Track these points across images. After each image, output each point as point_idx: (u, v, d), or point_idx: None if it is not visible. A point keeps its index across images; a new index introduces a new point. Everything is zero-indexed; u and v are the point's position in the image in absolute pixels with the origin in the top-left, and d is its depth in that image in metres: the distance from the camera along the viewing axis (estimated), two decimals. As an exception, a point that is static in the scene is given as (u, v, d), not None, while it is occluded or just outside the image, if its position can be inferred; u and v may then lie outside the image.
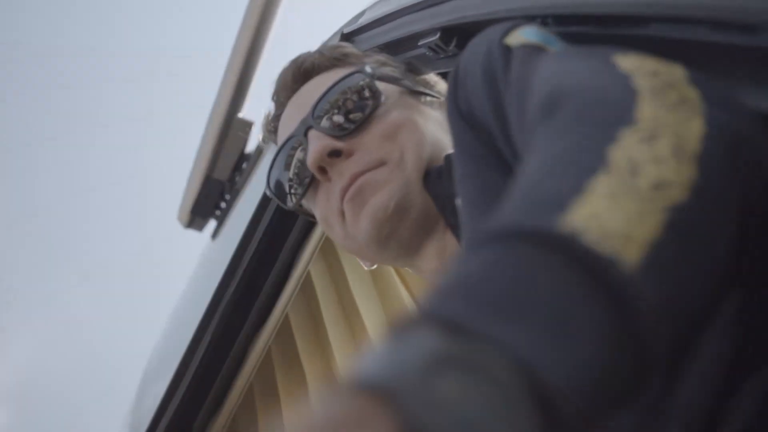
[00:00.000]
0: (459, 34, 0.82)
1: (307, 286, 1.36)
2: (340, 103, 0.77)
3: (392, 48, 1.00)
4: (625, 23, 0.57)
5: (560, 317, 0.27)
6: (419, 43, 0.88)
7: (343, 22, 1.19)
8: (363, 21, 1.08)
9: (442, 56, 0.86)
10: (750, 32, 0.47)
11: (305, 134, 0.78)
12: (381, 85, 0.80)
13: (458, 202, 0.58)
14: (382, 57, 0.88)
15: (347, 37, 1.11)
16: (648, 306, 0.29)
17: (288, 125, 0.82)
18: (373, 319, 1.27)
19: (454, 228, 0.72)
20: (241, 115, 1.51)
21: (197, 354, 1.21)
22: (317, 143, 0.74)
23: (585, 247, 0.29)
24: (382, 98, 0.78)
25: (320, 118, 0.77)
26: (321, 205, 0.78)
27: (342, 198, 0.74)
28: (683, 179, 0.33)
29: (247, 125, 1.51)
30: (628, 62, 0.42)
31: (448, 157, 0.74)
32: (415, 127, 0.76)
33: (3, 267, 5.55)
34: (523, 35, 0.55)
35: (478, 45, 0.58)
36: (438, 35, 0.83)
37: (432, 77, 0.90)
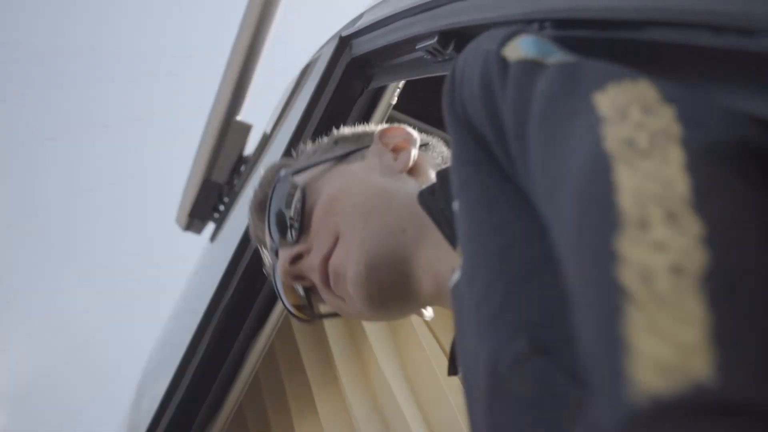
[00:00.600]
0: (457, 38, 0.81)
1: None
2: (282, 216, 0.83)
3: (390, 51, 1.00)
4: (623, 27, 0.57)
5: None
6: (417, 47, 0.88)
7: (341, 24, 1.19)
8: (361, 24, 1.07)
9: (439, 59, 0.86)
10: (749, 36, 0.47)
11: (277, 256, 0.84)
12: (304, 176, 0.85)
13: (455, 206, 0.58)
14: (309, 146, 0.94)
15: (345, 40, 1.11)
16: (742, 388, 0.28)
17: (271, 262, 0.89)
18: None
19: (449, 237, 0.72)
20: (239, 117, 1.50)
21: (197, 355, 1.21)
22: (279, 261, 0.81)
23: (666, 400, 0.28)
24: (306, 190, 0.83)
25: (276, 235, 0.84)
26: (329, 302, 0.83)
27: (325, 287, 0.79)
28: (693, 237, 0.32)
29: (246, 128, 1.51)
30: (604, 105, 0.42)
31: (440, 173, 0.75)
32: (346, 193, 0.80)
33: (3, 267, 5.55)
34: (520, 48, 0.54)
35: (475, 51, 0.58)
36: (436, 39, 0.83)
37: (360, 129, 0.93)
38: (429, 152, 0.88)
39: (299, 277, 0.81)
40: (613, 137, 0.39)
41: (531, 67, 0.51)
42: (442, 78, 0.93)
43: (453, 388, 1.07)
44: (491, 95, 0.53)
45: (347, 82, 1.10)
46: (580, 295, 0.36)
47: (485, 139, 0.55)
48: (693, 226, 0.33)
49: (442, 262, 0.74)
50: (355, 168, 0.84)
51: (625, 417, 0.29)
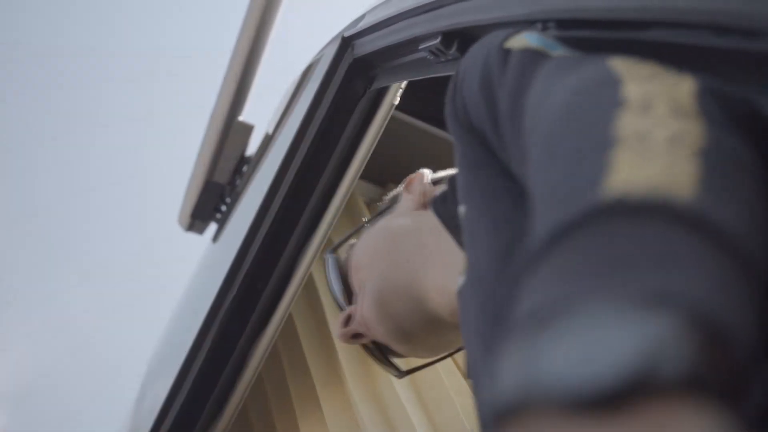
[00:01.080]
0: (460, 38, 0.81)
1: (309, 287, 1.36)
2: (332, 291, 0.91)
3: (392, 51, 1.00)
4: (627, 27, 0.57)
5: (673, 261, 0.26)
6: (420, 47, 0.88)
7: (342, 25, 1.19)
8: (363, 24, 1.07)
9: (442, 60, 0.86)
10: (752, 37, 0.47)
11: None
12: (344, 249, 0.93)
13: (461, 210, 0.58)
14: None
15: (347, 40, 1.11)
16: (724, 220, 0.28)
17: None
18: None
19: (462, 244, 0.73)
20: (241, 118, 1.50)
21: (199, 356, 1.21)
22: (339, 335, 0.89)
23: (637, 201, 0.29)
24: (346, 261, 0.90)
25: (339, 305, 0.91)
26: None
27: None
28: (693, 129, 0.33)
29: (248, 129, 1.51)
30: (615, 63, 0.43)
31: (451, 179, 0.75)
32: (363, 246, 0.87)
33: (3, 267, 5.55)
34: (524, 38, 0.54)
35: (477, 51, 0.58)
36: (439, 39, 0.83)
37: (393, 191, 0.97)
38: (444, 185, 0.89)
39: (357, 336, 0.87)
40: (624, 71, 0.40)
41: (534, 55, 0.51)
42: (443, 78, 0.93)
43: (457, 389, 1.07)
44: (490, 85, 0.52)
45: (349, 83, 1.10)
46: (555, 152, 0.36)
47: (486, 137, 0.54)
48: (696, 122, 0.34)
49: (451, 278, 0.75)
50: (380, 224, 0.89)
51: (585, 207, 0.30)
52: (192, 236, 1.73)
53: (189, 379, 1.23)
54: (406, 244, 0.81)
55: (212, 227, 1.67)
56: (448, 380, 1.08)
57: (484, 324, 0.51)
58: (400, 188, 0.95)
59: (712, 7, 0.48)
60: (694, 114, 0.35)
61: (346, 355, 1.30)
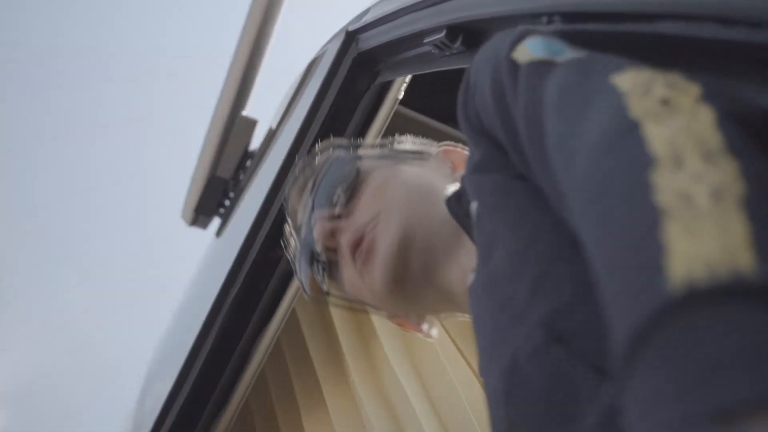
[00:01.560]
0: (465, 32, 0.82)
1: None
2: (331, 188, 0.85)
3: (397, 45, 1.01)
4: (632, 20, 0.57)
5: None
6: (424, 41, 0.88)
7: (346, 19, 1.20)
8: (367, 19, 1.08)
9: (447, 54, 0.86)
10: (758, 29, 0.47)
11: (312, 228, 0.85)
12: (363, 163, 0.88)
13: (473, 206, 0.59)
14: (368, 143, 0.98)
15: (352, 35, 1.11)
16: None
17: (301, 237, 0.90)
18: (378, 322, 1.27)
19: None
20: (245, 113, 1.51)
21: (202, 352, 1.21)
22: (318, 228, 0.83)
23: (702, 289, 0.29)
24: (363, 170, 0.85)
25: (320, 205, 0.86)
26: (345, 278, 0.83)
27: (350, 251, 0.80)
28: (730, 173, 0.33)
29: (251, 123, 1.51)
30: (625, 80, 0.43)
31: (464, 178, 0.76)
32: (396, 181, 0.82)
33: (3, 267, 5.55)
34: (529, 50, 0.54)
35: (485, 58, 0.58)
36: (444, 33, 0.83)
37: (419, 143, 0.94)
38: None
39: (330, 247, 0.82)
40: (637, 106, 0.40)
41: (542, 67, 0.51)
42: (447, 73, 0.94)
43: (463, 383, 1.07)
44: (503, 100, 0.53)
45: (354, 77, 1.10)
46: (607, 227, 0.36)
47: (500, 143, 0.55)
48: (730, 164, 0.34)
49: (471, 265, 0.74)
50: (412, 168, 0.86)
51: (658, 305, 0.30)
52: (191, 236, 1.73)
53: (191, 375, 1.23)
54: (446, 214, 0.78)
55: (216, 222, 1.68)
56: (454, 375, 1.09)
57: (502, 324, 0.51)
58: (428, 148, 0.93)
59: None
60: (724, 153, 0.35)
61: (351, 350, 1.30)
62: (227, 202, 1.58)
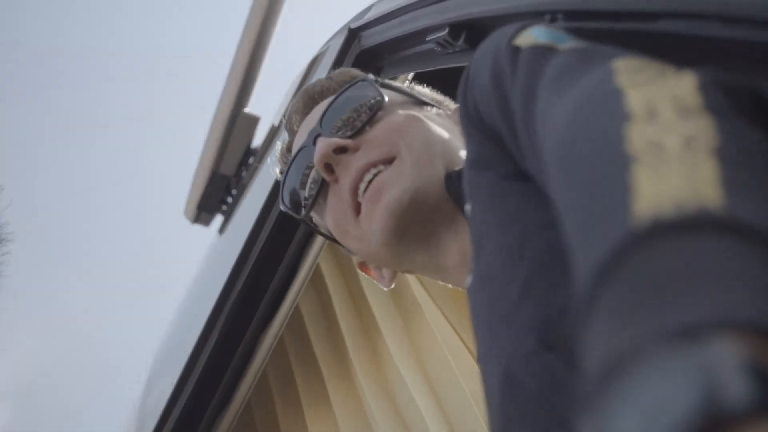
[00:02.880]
0: (468, 30, 0.82)
1: (317, 278, 1.37)
2: (346, 109, 0.79)
3: (400, 43, 1.01)
4: (635, 18, 0.58)
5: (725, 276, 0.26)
6: (427, 38, 0.89)
7: (348, 15, 1.20)
8: (370, 16, 1.08)
9: (450, 51, 0.86)
10: (761, 28, 0.48)
11: (314, 143, 0.79)
12: (385, 92, 0.82)
13: (467, 207, 0.58)
14: (387, 80, 0.91)
15: (354, 32, 1.12)
16: (755, 217, 0.29)
17: (299, 144, 0.84)
18: (383, 310, 1.27)
19: None
20: (247, 110, 1.51)
21: (206, 349, 1.21)
22: (321, 143, 0.76)
23: (666, 221, 0.29)
24: (386, 100, 0.80)
25: (328, 125, 0.79)
26: (333, 208, 0.78)
27: (351, 191, 0.75)
28: (704, 126, 0.33)
29: (253, 120, 1.51)
30: (620, 64, 0.43)
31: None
32: (420, 124, 0.77)
33: (4, 267, 5.54)
34: (532, 35, 0.54)
35: (487, 48, 0.58)
36: (446, 31, 0.83)
37: (438, 95, 0.91)
38: None
39: (329, 168, 0.76)
40: (624, 79, 0.40)
41: (543, 51, 0.51)
42: (450, 70, 0.94)
43: (468, 378, 1.07)
44: (502, 85, 0.53)
45: (356, 75, 1.11)
46: (576, 179, 0.36)
47: (498, 134, 0.55)
48: (705, 119, 0.34)
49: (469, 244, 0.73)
50: (435, 118, 0.81)
51: (620, 238, 0.30)
52: (192, 237, 1.73)
53: (194, 373, 1.23)
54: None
55: (218, 219, 1.68)
56: (459, 369, 1.09)
57: (494, 325, 0.51)
58: (447, 101, 0.89)
59: (721, -4, 0.49)
60: (701, 109, 0.35)
61: (355, 347, 1.30)
62: (230, 200, 1.58)
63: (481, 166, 0.56)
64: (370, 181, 0.74)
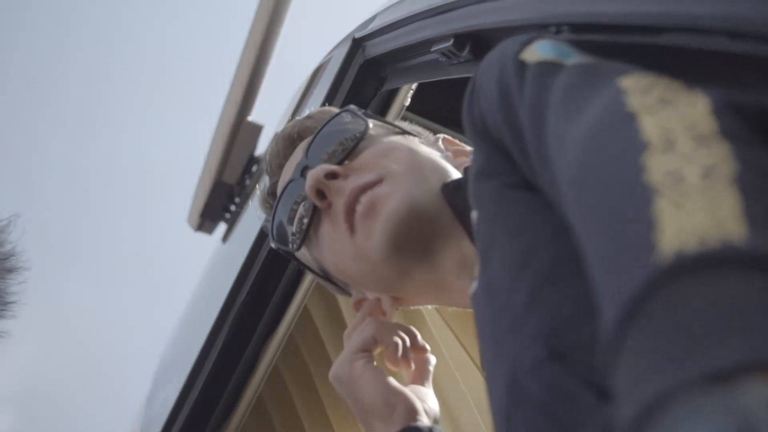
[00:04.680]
0: (473, 41, 0.82)
1: (322, 288, 1.36)
2: (332, 140, 0.80)
3: (404, 53, 1.01)
4: (640, 32, 0.58)
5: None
6: (432, 49, 0.89)
7: (352, 24, 1.20)
8: (374, 26, 1.08)
9: (455, 62, 0.87)
10: (766, 42, 0.48)
11: (302, 175, 0.80)
12: (368, 122, 0.83)
13: (473, 215, 0.59)
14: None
15: (358, 42, 1.12)
16: None
17: (285, 180, 0.84)
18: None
19: (471, 235, 0.73)
20: (250, 118, 1.51)
21: (209, 358, 1.21)
22: (313, 171, 0.77)
23: (692, 256, 0.29)
24: (371, 126, 0.81)
25: (315, 157, 0.80)
26: (327, 234, 0.78)
27: (347, 211, 0.75)
28: (722, 154, 0.34)
29: (257, 129, 1.52)
30: (628, 81, 0.43)
31: (468, 170, 0.75)
32: (406, 147, 0.78)
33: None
34: (538, 50, 0.54)
35: (492, 60, 0.58)
36: (451, 41, 0.83)
37: (418, 128, 0.92)
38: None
39: (321, 194, 0.76)
40: (635, 102, 0.40)
41: (550, 68, 0.51)
42: (454, 78, 0.94)
43: (472, 389, 1.07)
44: (508, 98, 0.53)
45: (361, 84, 1.11)
46: (596, 209, 0.36)
47: (504, 146, 0.55)
48: (722, 146, 0.34)
49: (470, 251, 0.73)
50: (416, 141, 0.83)
51: (646, 276, 0.30)
52: (196, 241, 1.74)
53: (200, 380, 1.24)
54: None
55: (221, 227, 1.68)
56: (464, 381, 1.08)
57: (501, 335, 0.51)
58: (430, 135, 0.90)
59: (728, 12, 0.49)
60: (716, 135, 0.35)
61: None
62: (233, 208, 1.58)
63: (488, 175, 0.56)
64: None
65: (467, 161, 0.83)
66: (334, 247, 0.78)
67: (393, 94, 1.12)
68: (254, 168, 1.53)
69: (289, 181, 0.82)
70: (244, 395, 1.25)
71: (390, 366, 0.82)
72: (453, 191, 0.74)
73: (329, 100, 1.12)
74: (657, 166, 0.34)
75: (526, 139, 0.50)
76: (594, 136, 0.41)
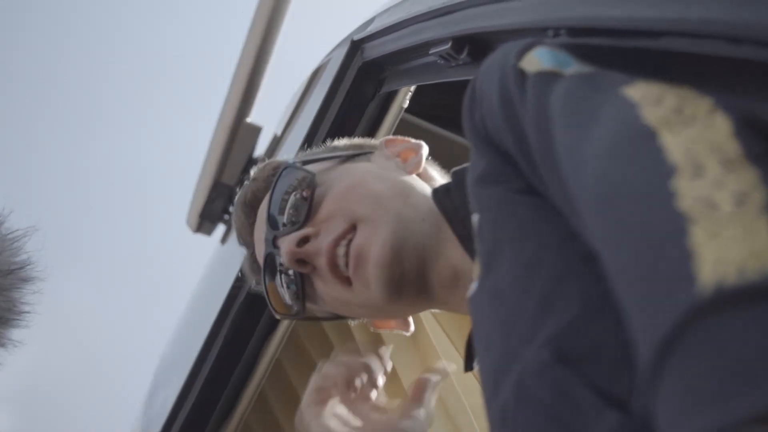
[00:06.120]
0: (471, 44, 0.82)
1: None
2: (285, 203, 0.81)
3: (402, 55, 1.01)
4: (638, 36, 0.58)
5: None
6: (430, 51, 0.89)
7: (352, 27, 1.20)
8: (373, 28, 1.08)
9: (453, 65, 0.87)
10: (763, 47, 0.48)
11: (274, 245, 0.81)
12: (312, 167, 0.83)
13: (474, 219, 0.58)
14: (304, 152, 0.93)
15: (357, 44, 1.12)
16: None
17: (260, 253, 0.85)
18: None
19: (463, 239, 0.73)
20: (249, 119, 1.51)
21: (209, 359, 1.22)
22: (284, 244, 0.78)
23: (732, 288, 0.29)
24: (317, 176, 0.81)
25: (277, 224, 0.81)
26: (324, 293, 0.80)
27: (332, 269, 0.76)
28: (751, 180, 0.33)
29: (256, 130, 1.52)
30: (635, 92, 0.43)
31: (456, 173, 0.75)
32: (359, 183, 0.79)
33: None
34: (537, 59, 0.54)
35: (492, 67, 0.58)
36: (450, 44, 0.84)
37: (357, 140, 0.93)
38: (432, 165, 0.89)
39: (302, 262, 0.77)
40: (650, 114, 0.40)
41: (549, 78, 0.51)
42: (452, 80, 0.94)
43: (467, 393, 1.07)
44: (511, 109, 0.53)
45: (359, 86, 1.11)
46: (626, 234, 0.36)
47: (508, 152, 0.55)
48: (750, 171, 0.34)
49: (460, 260, 0.74)
50: (363, 166, 0.84)
51: (686, 308, 0.29)
52: (195, 242, 1.73)
53: (198, 381, 1.24)
54: (421, 205, 0.76)
55: (220, 228, 1.68)
56: (459, 385, 1.08)
57: (511, 340, 0.51)
58: (368, 141, 0.91)
59: (726, 17, 0.49)
60: (743, 161, 0.35)
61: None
62: (232, 209, 1.58)
63: (491, 180, 0.56)
64: (346, 254, 0.76)
65: (416, 156, 0.85)
66: (338, 300, 0.80)
67: (392, 95, 1.12)
68: (253, 169, 1.53)
69: (266, 255, 0.83)
70: (244, 395, 1.26)
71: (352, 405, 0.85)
72: (443, 196, 0.74)
73: (328, 101, 1.12)
74: (688, 192, 0.34)
75: (532, 148, 0.50)
76: (614, 153, 0.40)
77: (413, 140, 0.88)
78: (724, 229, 0.32)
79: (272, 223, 0.81)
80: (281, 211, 0.81)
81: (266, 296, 0.86)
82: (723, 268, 0.30)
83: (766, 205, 0.32)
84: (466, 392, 1.07)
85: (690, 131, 0.38)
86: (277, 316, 0.89)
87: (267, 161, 0.94)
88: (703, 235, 0.32)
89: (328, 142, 0.92)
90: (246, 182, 0.93)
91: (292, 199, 0.80)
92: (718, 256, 0.30)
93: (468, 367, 0.76)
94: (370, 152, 0.88)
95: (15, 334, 0.80)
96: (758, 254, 0.30)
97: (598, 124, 0.43)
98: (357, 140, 0.93)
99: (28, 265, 0.80)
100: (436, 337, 1.17)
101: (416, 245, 0.75)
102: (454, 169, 0.77)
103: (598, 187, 0.40)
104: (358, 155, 0.87)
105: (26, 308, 0.80)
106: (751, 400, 0.26)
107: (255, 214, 0.88)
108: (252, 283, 0.95)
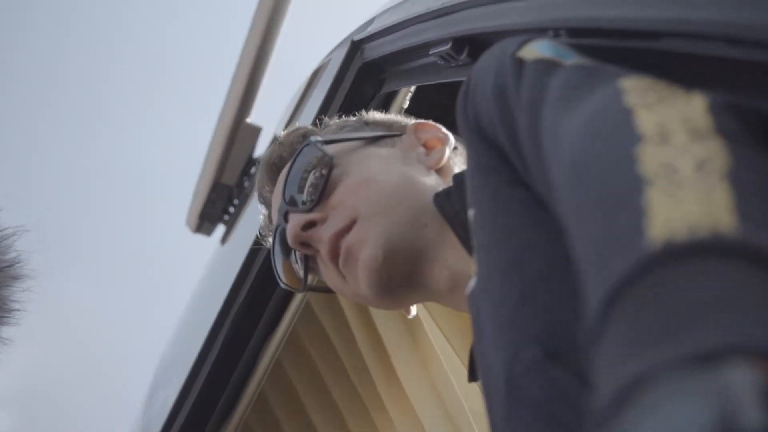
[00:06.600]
0: (471, 44, 0.82)
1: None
2: (303, 181, 0.82)
3: (402, 56, 1.01)
4: (638, 37, 0.58)
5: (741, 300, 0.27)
6: (430, 52, 0.89)
7: (352, 27, 1.20)
8: (373, 29, 1.08)
9: (453, 65, 0.87)
10: (763, 48, 0.48)
11: (286, 219, 0.83)
12: (332, 148, 0.84)
13: (470, 213, 0.59)
14: (336, 121, 0.93)
15: (357, 44, 1.12)
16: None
17: (274, 220, 0.88)
18: (386, 315, 1.26)
19: (464, 240, 0.74)
20: (249, 120, 1.51)
21: (208, 359, 1.21)
22: (290, 224, 0.80)
23: (680, 245, 0.29)
24: (335, 161, 0.82)
25: (292, 199, 0.82)
26: (325, 275, 0.83)
27: (332, 261, 0.78)
28: (716, 149, 0.34)
29: (256, 130, 1.52)
30: (628, 82, 0.44)
31: (457, 177, 0.76)
32: (373, 179, 0.80)
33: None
34: (536, 49, 0.54)
35: (489, 58, 0.58)
36: (450, 45, 0.84)
37: (391, 117, 0.93)
38: (458, 155, 0.88)
39: (306, 245, 0.80)
40: (633, 98, 0.40)
41: (547, 66, 0.51)
42: (453, 81, 0.94)
43: (469, 395, 1.07)
44: (504, 96, 0.53)
45: (359, 86, 1.11)
46: (588, 199, 0.37)
47: (499, 145, 0.55)
48: (717, 141, 0.34)
49: (459, 263, 0.75)
50: (384, 153, 0.84)
51: (633, 262, 0.30)
52: (195, 242, 1.74)
53: (198, 381, 1.24)
54: (428, 209, 0.76)
55: (220, 229, 1.68)
56: (460, 388, 1.08)
57: (493, 331, 0.51)
58: (401, 120, 0.90)
59: (726, 18, 0.49)
60: (712, 132, 0.35)
61: (355, 353, 1.30)
62: (232, 209, 1.58)
63: (483, 174, 0.56)
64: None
65: (440, 149, 0.85)
66: (335, 287, 0.83)
67: (392, 96, 1.12)
68: (253, 169, 1.53)
69: (277, 227, 0.85)
70: (244, 395, 1.26)
71: None
72: (444, 200, 0.75)
73: (328, 102, 1.12)
74: (651, 158, 0.35)
75: (521, 136, 0.50)
76: (589, 127, 0.41)
77: (444, 130, 0.88)
78: (681, 189, 0.32)
79: (286, 196, 0.83)
80: (296, 187, 0.82)
81: (273, 264, 0.89)
82: (674, 225, 0.30)
83: (727, 171, 0.32)
84: (465, 394, 1.07)
85: (666, 108, 0.39)
86: (283, 286, 0.91)
87: (294, 129, 0.95)
88: (658, 195, 0.32)
89: (362, 113, 0.93)
90: (273, 143, 0.95)
91: (309, 178, 0.82)
92: (669, 215, 0.31)
93: (471, 376, 0.75)
94: (398, 135, 0.88)
95: (4, 331, 0.81)
96: (710, 214, 0.30)
97: (583, 105, 0.44)
98: (388, 118, 0.92)
99: (18, 263, 0.81)
100: (436, 338, 1.17)
101: (409, 251, 0.76)
102: (455, 172, 0.78)
103: (569, 157, 0.41)
104: (384, 137, 0.87)
105: (16, 306, 0.81)
106: (682, 344, 0.26)
107: (276, 176, 0.90)
108: (268, 242, 0.97)
